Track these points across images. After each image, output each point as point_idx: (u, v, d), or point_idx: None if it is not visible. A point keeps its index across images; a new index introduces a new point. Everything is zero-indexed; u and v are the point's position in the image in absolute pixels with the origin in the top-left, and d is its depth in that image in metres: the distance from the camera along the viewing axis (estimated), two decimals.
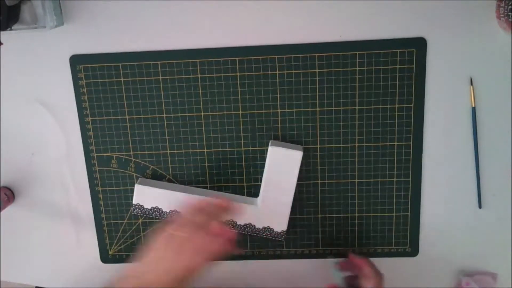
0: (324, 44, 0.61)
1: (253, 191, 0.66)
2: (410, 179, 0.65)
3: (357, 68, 0.61)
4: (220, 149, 0.65)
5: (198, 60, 0.62)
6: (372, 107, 0.62)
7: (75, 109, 0.65)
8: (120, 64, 0.62)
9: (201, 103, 0.63)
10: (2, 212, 0.67)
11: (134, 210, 0.65)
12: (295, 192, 0.64)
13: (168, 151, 0.66)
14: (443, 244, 0.67)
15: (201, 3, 0.60)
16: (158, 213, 0.65)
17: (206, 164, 0.66)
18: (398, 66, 0.61)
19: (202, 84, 0.63)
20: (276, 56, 0.61)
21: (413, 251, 0.68)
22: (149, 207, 0.65)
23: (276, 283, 0.70)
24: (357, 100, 0.62)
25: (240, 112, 0.63)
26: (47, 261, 0.71)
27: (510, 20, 0.54)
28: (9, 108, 0.66)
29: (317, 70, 0.61)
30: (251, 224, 0.64)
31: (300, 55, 0.61)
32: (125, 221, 0.68)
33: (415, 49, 0.60)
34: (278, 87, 0.62)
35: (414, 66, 0.61)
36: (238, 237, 0.66)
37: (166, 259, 0.54)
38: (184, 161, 0.66)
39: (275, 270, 0.70)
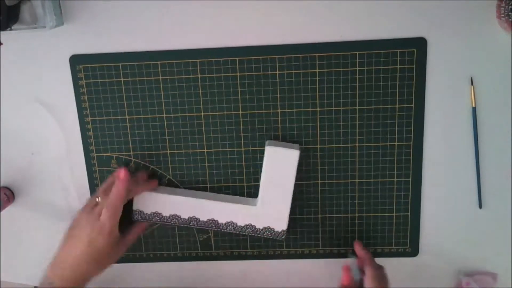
0: (324, 44, 0.61)
1: (253, 191, 0.66)
2: (410, 179, 0.65)
3: (357, 68, 0.61)
4: (220, 149, 0.65)
5: (198, 60, 0.62)
6: (372, 107, 0.62)
7: (75, 109, 0.65)
8: (120, 64, 0.62)
9: (201, 103, 0.63)
10: (2, 212, 0.67)
11: (134, 216, 0.65)
12: (294, 192, 0.64)
13: (168, 151, 0.65)
14: (443, 244, 0.67)
15: (201, 3, 0.60)
16: (158, 218, 0.65)
17: (206, 164, 0.66)
18: (398, 66, 0.61)
19: (202, 84, 0.63)
20: (276, 56, 0.61)
21: (413, 251, 0.68)
22: (149, 212, 0.65)
23: (276, 283, 0.70)
24: (357, 100, 0.62)
25: (240, 112, 0.63)
26: (47, 261, 0.71)
27: (510, 20, 0.54)
28: (9, 108, 0.66)
29: (317, 70, 0.61)
30: (251, 225, 0.64)
31: (300, 55, 0.61)
32: None
33: (415, 49, 0.60)
34: (278, 87, 0.62)
35: (414, 66, 0.61)
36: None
37: (81, 226, 0.59)
38: (184, 161, 0.66)
39: (275, 270, 0.70)
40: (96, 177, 0.67)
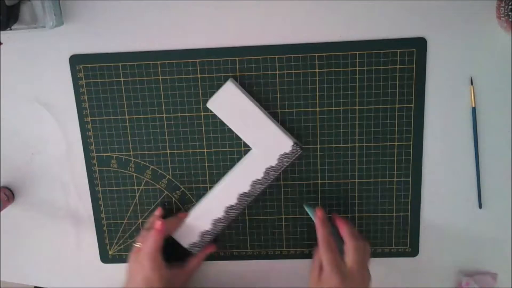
0: (324, 44, 0.61)
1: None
2: (410, 179, 0.65)
3: (357, 68, 0.61)
4: (220, 149, 0.65)
5: (198, 60, 0.62)
6: (372, 107, 0.62)
7: (75, 109, 0.65)
8: (119, 64, 0.62)
9: (201, 103, 0.63)
10: (2, 212, 0.67)
11: (193, 251, 0.66)
12: (294, 192, 0.64)
13: (168, 151, 0.65)
14: (443, 244, 0.67)
15: (202, 3, 0.60)
16: (208, 235, 0.65)
17: (206, 164, 0.66)
18: (398, 66, 0.61)
19: (202, 84, 0.63)
20: (276, 56, 0.61)
21: (413, 251, 0.68)
22: (198, 238, 0.65)
23: (276, 283, 0.70)
24: (357, 100, 0.62)
25: None
26: (47, 261, 0.71)
27: (510, 20, 0.54)
28: (9, 108, 0.66)
29: (317, 70, 0.61)
30: (271, 167, 0.62)
31: (300, 55, 0.61)
32: (125, 221, 0.68)
33: (415, 49, 0.60)
34: (278, 87, 0.62)
35: (414, 66, 0.61)
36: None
37: (135, 273, 0.62)
38: (184, 161, 0.66)
39: (275, 270, 0.70)
40: (96, 177, 0.67)
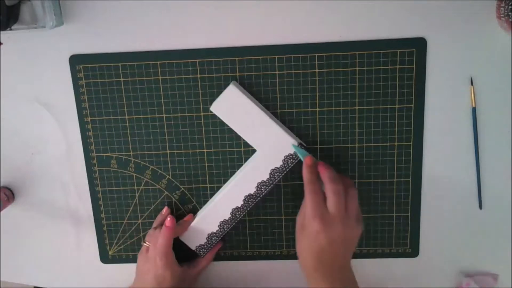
0: (324, 44, 0.61)
1: None
2: (410, 179, 0.65)
3: (357, 68, 0.61)
4: (220, 149, 0.65)
5: (198, 60, 0.62)
6: (372, 107, 0.62)
7: (75, 109, 0.65)
8: (119, 64, 0.62)
9: (201, 103, 0.63)
10: (2, 212, 0.67)
11: (200, 254, 0.66)
12: (295, 192, 0.64)
13: (168, 151, 0.65)
14: (444, 245, 0.67)
15: (202, 3, 0.60)
16: (214, 237, 0.65)
17: (206, 165, 0.66)
18: (398, 66, 0.61)
19: (202, 84, 0.63)
20: (276, 56, 0.61)
21: (414, 251, 0.67)
22: (205, 241, 0.66)
23: (276, 283, 0.70)
24: (357, 100, 0.62)
25: None
26: (47, 261, 0.71)
27: (510, 20, 0.54)
28: (9, 108, 0.66)
29: (317, 70, 0.61)
30: (276, 168, 0.62)
31: (300, 55, 0.61)
32: (125, 221, 0.68)
33: (415, 49, 0.60)
34: (278, 87, 0.62)
35: (414, 66, 0.61)
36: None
37: (145, 272, 0.62)
38: (184, 161, 0.66)
39: (275, 270, 0.70)
40: (96, 177, 0.67)
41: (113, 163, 0.66)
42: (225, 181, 0.66)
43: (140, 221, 0.68)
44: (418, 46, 0.60)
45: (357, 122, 0.63)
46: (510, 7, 0.54)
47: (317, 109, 0.63)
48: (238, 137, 0.64)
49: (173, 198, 0.67)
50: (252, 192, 0.63)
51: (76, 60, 0.63)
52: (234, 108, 0.61)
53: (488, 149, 0.63)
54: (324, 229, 0.54)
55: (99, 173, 0.67)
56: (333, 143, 0.64)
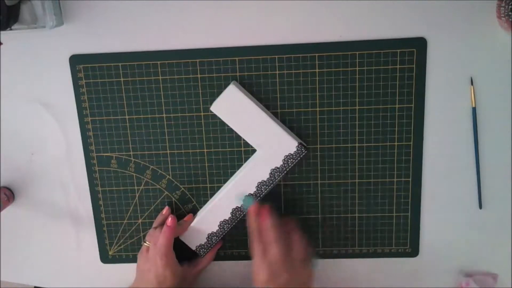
0: (324, 44, 0.61)
1: None
2: (410, 179, 0.65)
3: (357, 68, 0.61)
4: (220, 149, 0.65)
5: (198, 60, 0.62)
6: (372, 107, 0.62)
7: (75, 109, 0.65)
8: (120, 64, 0.62)
9: (201, 103, 0.63)
10: (2, 212, 0.67)
11: (201, 254, 0.66)
12: (295, 192, 0.64)
13: (168, 151, 0.65)
14: (443, 245, 0.67)
15: (201, 3, 0.60)
16: (215, 237, 0.65)
17: (206, 164, 0.66)
18: (398, 66, 0.61)
19: (202, 84, 0.63)
20: (276, 56, 0.61)
21: (414, 251, 0.68)
22: (205, 240, 0.66)
23: None
24: (357, 100, 0.62)
25: None
26: (47, 261, 0.71)
27: (510, 20, 0.54)
28: (9, 108, 0.66)
29: (317, 70, 0.61)
30: (276, 168, 0.62)
31: (300, 55, 0.61)
32: (125, 221, 0.68)
33: (415, 49, 0.60)
34: (278, 87, 0.62)
35: (414, 66, 0.61)
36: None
37: (146, 271, 0.62)
38: (184, 161, 0.66)
39: None
40: (96, 177, 0.67)
41: (113, 163, 0.66)
42: (225, 181, 0.66)
43: (140, 221, 0.68)
44: (418, 46, 0.60)
45: (357, 122, 0.63)
46: (510, 7, 0.54)
47: (317, 109, 0.63)
48: (238, 137, 0.64)
49: (173, 198, 0.67)
50: (252, 192, 0.63)
51: (76, 60, 0.63)
52: (234, 108, 0.61)
53: (488, 149, 0.63)
54: (272, 279, 0.56)
55: (99, 173, 0.67)
56: (333, 143, 0.64)
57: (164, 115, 0.64)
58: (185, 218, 0.66)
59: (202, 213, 0.65)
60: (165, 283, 0.61)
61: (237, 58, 0.62)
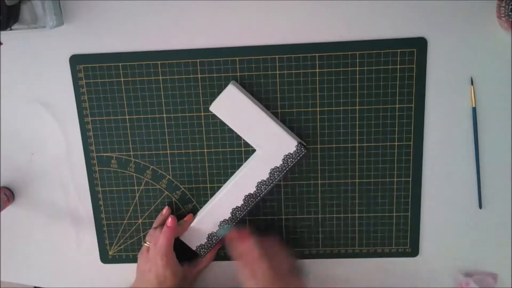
0: (324, 44, 0.61)
1: None
2: (410, 179, 0.65)
3: (357, 68, 0.61)
4: (220, 149, 0.65)
5: (198, 60, 0.62)
6: (372, 107, 0.62)
7: (75, 109, 0.65)
8: (120, 64, 0.62)
9: (201, 103, 0.63)
10: (2, 212, 0.67)
11: (201, 254, 0.66)
12: (295, 192, 0.64)
13: (168, 151, 0.65)
14: (443, 244, 0.67)
15: (201, 3, 0.60)
16: (215, 236, 0.65)
17: (206, 164, 0.66)
18: (398, 66, 0.61)
19: (202, 84, 0.63)
20: (276, 56, 0.61)
21: (413, 251, 0.68)
22: (205, 240, 0.66)
23: None
24: (357, 100, 0.62)
25: None
26: (47, 261, 0.71)
27: (510, 20, 0.54)
28: (9, 108, 0.66)
29: (317, 70, 0.61)
30: (275, 168, 0.62)
31: (300, 55, 0.61)
32: (125, 221, 0.68)
33: (415, 49, 0.60)
34: (278, 87, 0.62)
35: (414, 66, 0.61)
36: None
37: (146, 272, 0.62)
38: (184, 161, 0.66)
39: None
40: (96, 177, 0.67)
41: (113, 163, 0.66)
42: (225, 181, 0.66)
43: (140, 221, 0.68)
44: (418, 46, 0.60)
45: (357, 122, 0.63)
46: (510, 7, 0.54)
47: (317, 109, 0.63)
48: (238, 137, 0.64)
49: (173, 198, 0.67)
50: (252, 192, 0.63)
51: (76, 60, 0.63)
52: (233, 108, 0.61)
53: (488, 149, 0.63)
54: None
55: (99, 173, 0.67)
56: (333, 143, 0.64)
57: (164, 115, 0.64)
58: (185, 218, 0.66)
59: (202, 213, 0.65)
60: (165, 283, 0.61)
61: (237, 58, 0.62)
